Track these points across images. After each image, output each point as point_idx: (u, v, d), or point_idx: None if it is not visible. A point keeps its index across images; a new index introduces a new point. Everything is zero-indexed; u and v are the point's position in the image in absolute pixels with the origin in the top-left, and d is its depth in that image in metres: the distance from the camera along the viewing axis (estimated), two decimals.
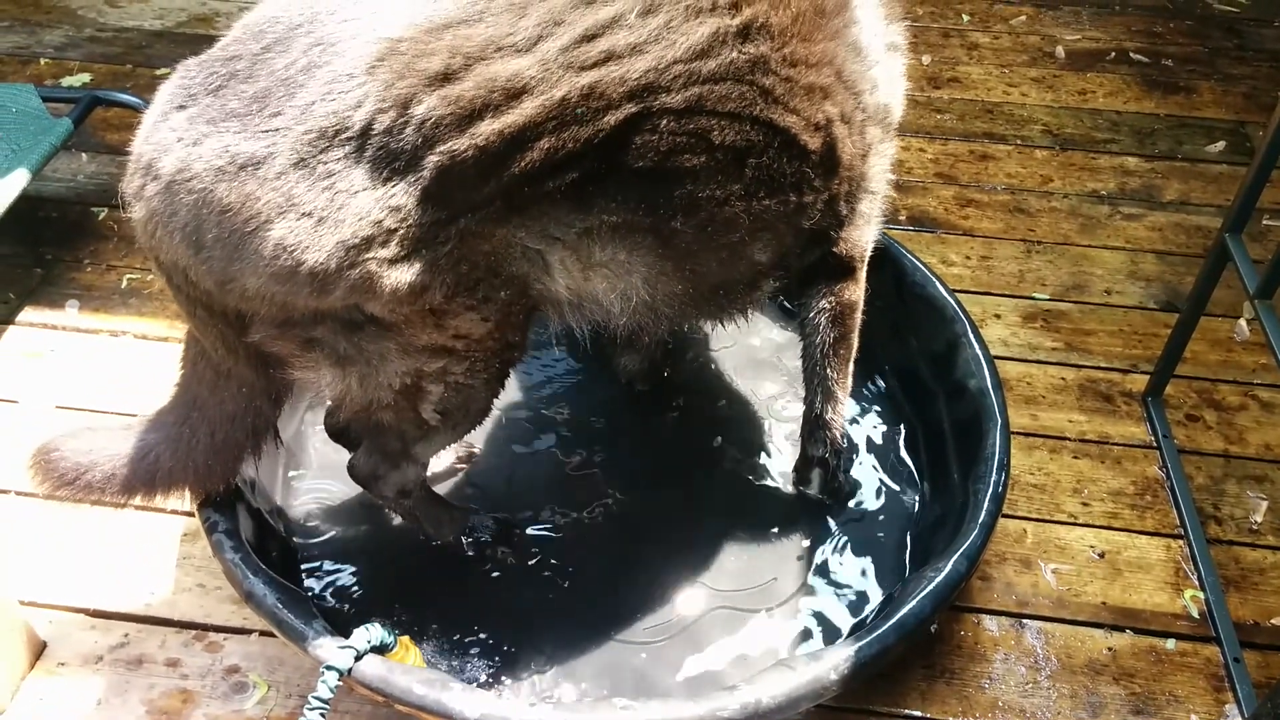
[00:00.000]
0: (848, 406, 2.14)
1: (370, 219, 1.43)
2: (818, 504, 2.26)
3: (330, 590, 2.08)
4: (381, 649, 1.75)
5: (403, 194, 1.44)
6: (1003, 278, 2.86)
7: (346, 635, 1.72)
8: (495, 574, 2.13)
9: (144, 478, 1.83)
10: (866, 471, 2.34)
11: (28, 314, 2.67)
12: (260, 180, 1.40)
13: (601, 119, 1.52)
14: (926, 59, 3.65)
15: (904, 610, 1.81)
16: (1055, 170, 3.21)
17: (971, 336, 2.28)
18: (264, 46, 1.46)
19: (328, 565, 2.12)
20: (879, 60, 1.86)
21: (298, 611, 1.76)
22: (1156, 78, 3.59)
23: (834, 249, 1.97)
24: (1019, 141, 3.31)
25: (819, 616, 2.08)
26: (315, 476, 2.27)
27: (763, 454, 2.38)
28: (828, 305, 2.04)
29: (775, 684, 1.70)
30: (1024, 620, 2.12)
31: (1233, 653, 2.06)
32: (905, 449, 2.38)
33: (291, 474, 2.27)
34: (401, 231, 1.46)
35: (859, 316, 2.09)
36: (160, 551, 2.17)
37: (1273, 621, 2.12)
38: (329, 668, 1.66)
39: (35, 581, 2.11)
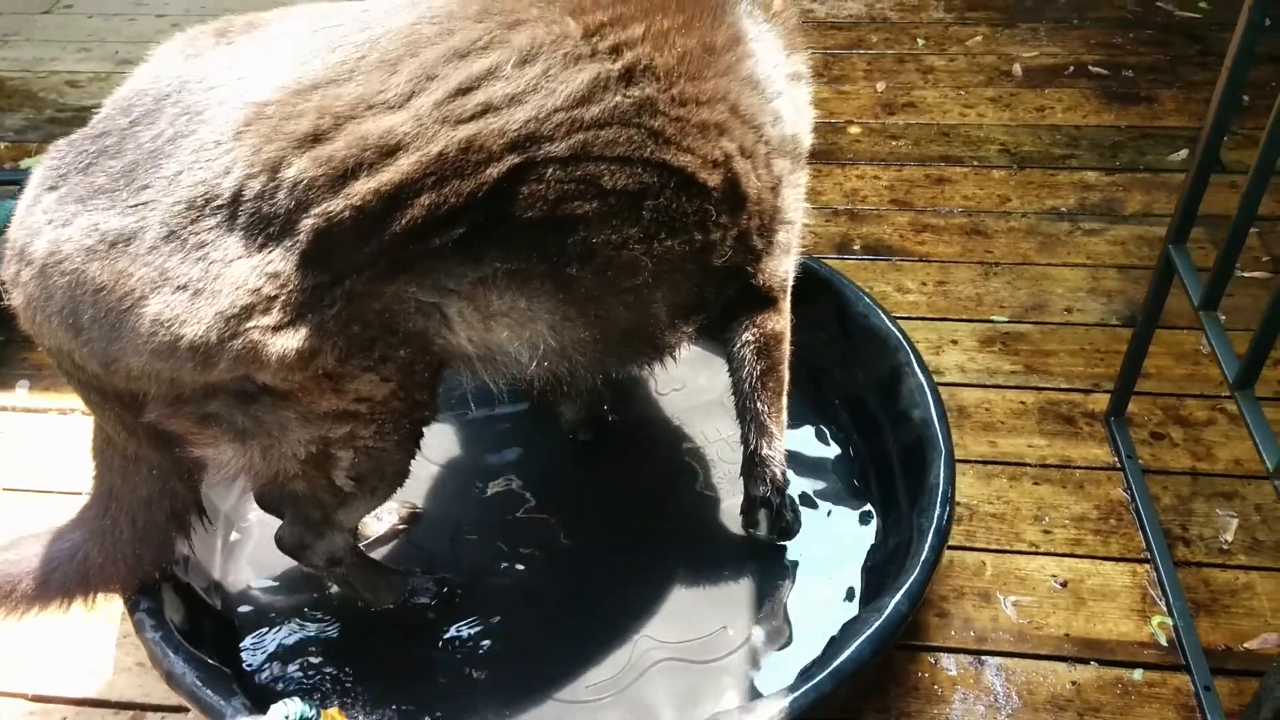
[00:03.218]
0: (783, 441, 2.09)
1: (248, 287, 1.40)
2: (769, 546, 2.20)
3: (268, 661, 2.04)
4: None
5: (280, 259, 1.41)
6: (960, 302, 2.81)
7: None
8: (436, 637, 2.08)
9: (77, 579, 1.80)
10: (820, 508, 2.28)
11: None
12: (132, 256, 1.38)
13: (483, 172, 1.49)
14: (881, 85, 3.62)
15: (842, 656, 1.75)
16: (1013, 190, 3.16)
17: (915, 365, 2.23)
18: (131, 121, 1.44)
19: (267, 636, 2.08)
20: (780, 92, 1.83)
21: (216, 689, 1.73)
22: (1116, 89, 3.54)
23: (752, 281, 1.94)
24: (976, 163, 3.26)
25: (769, 664, 2.02)
26: (256, 546, 2.23)
27: (713, 497, 2.32)
28: (751, 337, 1.99)
29: None
30: (983, 657, 2.05)
31: (1203, 681, 1.97)
32: (858, 483, 2.32)
33: (233, 542, 2.23)
34: (283, 298, 1.43)
35: (786, 348, 2.04)
36: (100, 631, 2.14)
37: (1246, 646, 2.03)
38: None
39: None
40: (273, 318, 1.44)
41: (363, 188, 1.43)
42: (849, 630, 1.83)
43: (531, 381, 1.84)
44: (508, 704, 1.96)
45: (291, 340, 1.46)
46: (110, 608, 2.17)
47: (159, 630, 1.80)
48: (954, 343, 2.69)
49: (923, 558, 1.89)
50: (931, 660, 2.04)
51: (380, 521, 2.23)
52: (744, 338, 2.00)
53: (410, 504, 2.29)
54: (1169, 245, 2.16)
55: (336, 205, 1.42)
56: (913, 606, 1.83)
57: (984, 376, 2.60)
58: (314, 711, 1.72)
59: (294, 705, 1.69)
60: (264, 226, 1.41)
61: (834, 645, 1.83)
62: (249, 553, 2.22)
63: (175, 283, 1.39)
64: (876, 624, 1.79)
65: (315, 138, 1.42)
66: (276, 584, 2.17)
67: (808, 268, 2.43)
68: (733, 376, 2.05)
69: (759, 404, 2.03)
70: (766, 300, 1.98)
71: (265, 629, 2.09)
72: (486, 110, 1.50)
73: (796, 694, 1.69)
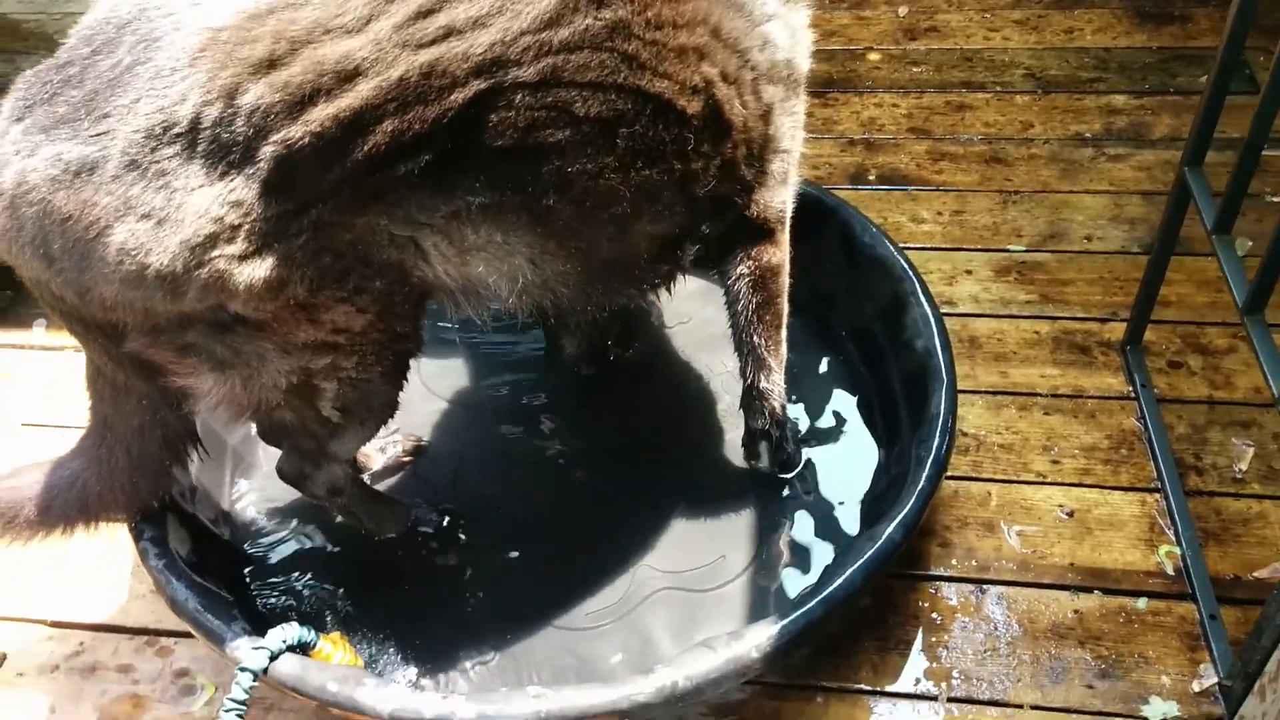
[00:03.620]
0: (782, 375, 2.07)
1: (211, 216, 1.40)
2: (771, 477, 2.19)
3: (273, 588, 2.08)
4: (302, 648, 1.75)
5: (242, 187, 1.41)
6: (976, 231, 2.75)
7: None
8: (440, 566, 2.11)
9: (77, 506, 1.83)
10: (824, 439, 2.27)
11: None
12: (95, 185, 1.38)
13: (447, 97, 1.47)
14: (903, 10, 3.51)
15: (833, 584, 1.75)
16: (1036, 115, 3.07)
17: (920, 295, 2.19)
18: (93, 50, 1.44)
19: (273, 564, 2.12)
20: (771, 15, 1.78)
21: (218, 614, 1.77)
22: (1150, 9, 3.41)
23: (746, 212, 1.90)
24: (999, 88, 3.17)
25: (767, 592, 2.02)
26: (265, 477, 2.26)
27: (717, 430, 2.32)
28: (746, 270, 1.97)
29: (693, 665, 1.65)
30: (985, 586, 2.03)
31: (1209, 609, 1.95)
32: (863, 414, 2.30)
33: (239, 478, 2.27)
34: (247, 226, 1.42)
35: (784, 280, 2.01)
36: (116, 559, 2.19)
37: (1255, 575, 2.00)
38: (243, 669, 1.66)
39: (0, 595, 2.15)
40: (238, 247, 1.43)
41: (321, 114, 1.42)
42: (842, 558, 1.83)
43: (516, 314, 1.83)
44: (507, 631, 1.99)
45: (259, 269, 1.46)
46: (125, 537, 2.21)
47: (163, 559, 1.84)
48: (968, 273, 2.64)
49: (919, 487, 1.87)
50: (932, 589, 2.04)
51: (384, 453, 2.26)
52: (739, 270, 1.97)
53: (415, 436, 2.31)
54: (1184, 167, 2.09)
55: (295, 132, 1.41)
56: (907, 535, 1.82)
57: (998, 306, 2.55)
58: (313, 636, 1.76)
59: (291, 630, 1.73)
60: (224, 154, 1.40)
61: (827, 573, 1.83)
62: (257, 484, 2.26)
63: (139, 211, 1.39)
64: (869, 552, 1.78)
65: (271, 63, 1.41)
66: (283, 514, 2.20)
67: (814, 197, 2.40)
68: (729, 310, 2.03)
69: (755, 337, 2.01)
70: (761, 232, 1.95)
71: (272, 558, 2.14)
72: (449, 34, 1.46)
73: (786, 620, 1.70)
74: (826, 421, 2.31)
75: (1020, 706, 1.86)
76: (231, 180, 1.40)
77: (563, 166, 1.59)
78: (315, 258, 1.50)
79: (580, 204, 1.65)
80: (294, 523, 2.19)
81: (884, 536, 1.80)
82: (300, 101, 1.41)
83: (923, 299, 2.18)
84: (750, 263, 1.96)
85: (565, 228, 1.67)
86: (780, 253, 1.99)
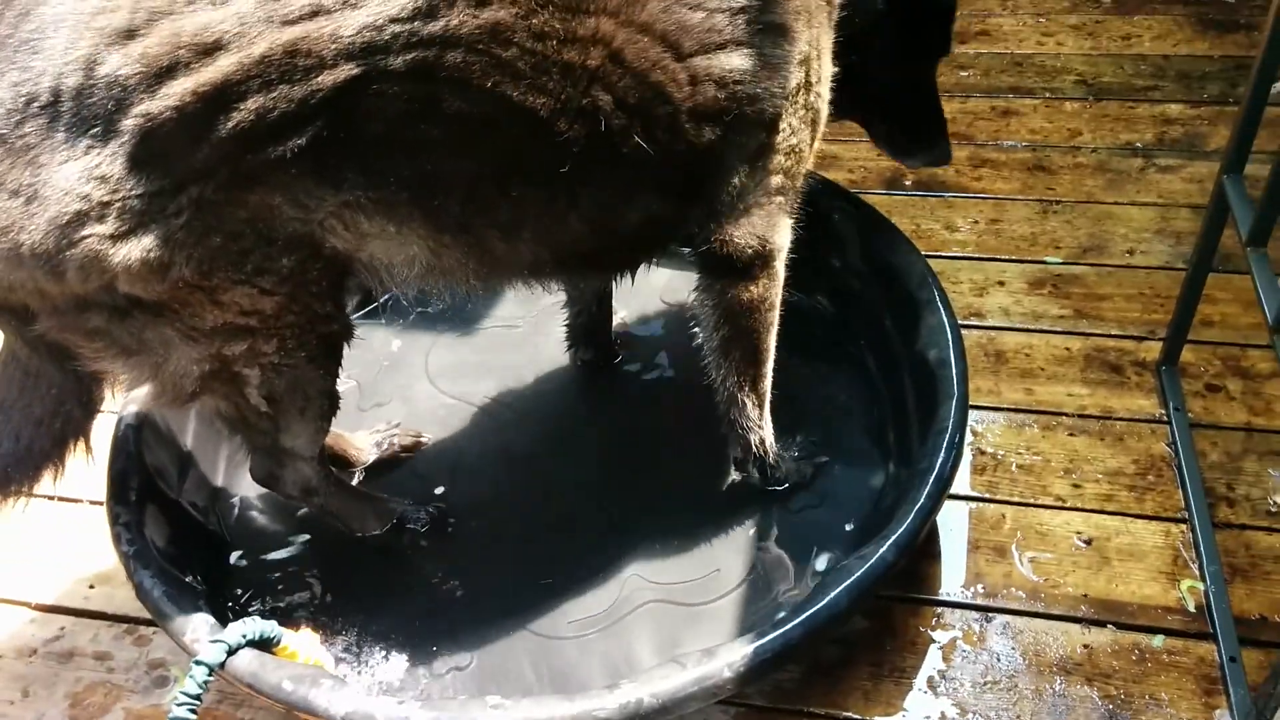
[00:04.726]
0: (762, 413, 2.00)
1: (77, 193, 1.35)
2: (780, 489, 2.10)
3: (253, 580, 2.04)
4: (264, 643, 1.70)
5: (108, 163, 1.36)
6: (1012, 241, 2.63)
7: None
8: (426, 566, 2.05)
9: None
10: (833, 451, 2.17)
11: None
12: None
13: (315, 79, 1.40)
14: None
15: (817, 604, 1.65)
16: (1085, 123, 2.94)
17: (938, 304, 2.08)
18: None
19: (256, 556, 2.08)
20: (735, 40, 1.62)
21: (181, 604, 1.73)
22: (1214, 16, 3.26)
23: (708, 245, 1.80)
24: (1048, 94, 3.04)
25: (760, 610, 1.93)
26: None
27: (721, 440, 2.22)
28: (712, 302, 1.88)
29: (660, 683, 1.57)
30: (991, 614, 1.92)
31: (1229, 651, 1.81)
32: (874, 426, 2.20)
33: (231, 470, 2.22)
34: (117, 204, 1.37)
35: (762, 318, 1.90)
36: (105, 544, 2.17)
37: None
38: (198, 662, 1.61)
39: None
40: (109, 226, 1.39)
41: (180, 88, 1.36)
42: (831, 577, 1.73)
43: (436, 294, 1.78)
44: (487, 636, 1.92)
45: (134, 250, 1.40)
46: None
47: (134, 545, 1.82)
48: (1000, 284, 2.52)
49: (918, 505, 1.76)
50: (935, 615, 1.93)
51: (380, 447, 2.21)
52: (705, 300, 1.90)
53: (415, 432, 2.27)
54: (1223, 175, 1.96)
55: (155, 106, 1.36)
56: (900, 555, 1.71)
57: (1028, 320, 2.43)
58: (276, 632, 1.71)
59: (253, 624, 1.68)
60: (86, 128, 1.36)
61: (813, 593, 1.73)
62: (248, 477, 2.22)
63: (8, 188, 1.36)
64: (858, 572, 1.68)
65: (129, 33, 1.36)
66: (272, 507, 2.17)
67: (834, 198, 2.31)
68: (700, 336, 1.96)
69: (722, 371, 1.95)
70: (729, 266, 1.83)
71: (257, 551, 2.09)
72: (316, 12, 1.40)
73: (763, 640, 1.61)
74: (837, 433, 2.21)
75: None
76: (97, 155, 1.36)
77: (437, 168, 1.52)
78: (203, 238, 1.45)
79: (465, 205, 1.58)
80: (282, 517, 2.15)
81: (876, 556, 1.70)
82: (158, 74, 1.35)
83: (940, 308, 2.07)
84: (716, 295, 1.87)
85: (456, 225, 1.60)
86: (755, 289, 1.86)
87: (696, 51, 1.60)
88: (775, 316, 1.93)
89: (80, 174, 1.35)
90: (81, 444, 1.78)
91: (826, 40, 1.79)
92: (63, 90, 1.35)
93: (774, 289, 1.90)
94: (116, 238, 1.39)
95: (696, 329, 1.96)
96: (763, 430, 2.00)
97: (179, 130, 1.37)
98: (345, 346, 1.77)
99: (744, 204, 1.78)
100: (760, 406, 1.98)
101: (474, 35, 1.45)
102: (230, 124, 1.39)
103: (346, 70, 1.41)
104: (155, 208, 1.40)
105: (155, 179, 1.39)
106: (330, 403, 1.80)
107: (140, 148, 1.36)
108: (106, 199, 1.37)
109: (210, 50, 1.37)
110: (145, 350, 1.56)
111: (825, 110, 1.84)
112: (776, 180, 1.79)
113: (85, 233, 1.37)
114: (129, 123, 1.36)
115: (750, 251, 1.82)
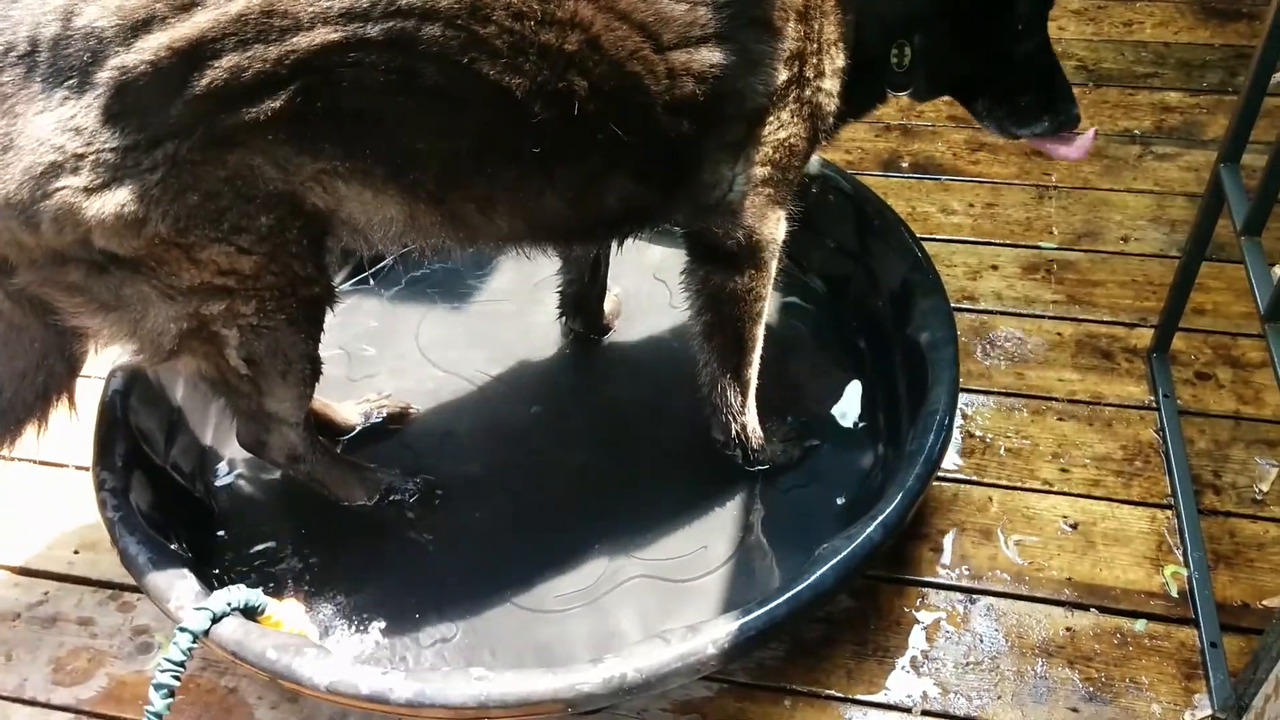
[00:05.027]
0: (744, 399, 2.00)
1: (52, 144, 1.36)
2: (770, 468, 2.10)
3: (244, 552, 2.03)
4: (249, 612, 1.70)
5: (83, 115, 1.36)
6: (1006, 225, 2.62)
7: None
8: (413, 538, 2.05)
9: None
10: (824, 431, 2.17)
11: None
12: None
13: (290, 39, 1.39)
14: None
15: (803, 582, 1.66)
16: (1085, 109, 2.86)
17: (930, 287, 2.08)
18: None
19: (244, 524, 2.08)
20: (716, 35, 1.60)
21: (166, 571, 1.72)
22: (1216, 4, 3.24)
23: (695, 230, 1.81)
24: None
25: (744, 586, 1.93)
26: None
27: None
28: (697, 287, 1.89)
29: (643, 658, 1.57)
30: (975, 596, 1.92)
31: (1210, 636, 1.82)
32: (865, 407, 2.20)
33: (219, 437, 2.21)
34: (91, 157, 1.38)
35: (748, 309, 1.89)
36: (90, 509, 2.16)
37: (1264, 603, 1.87)
38: (182, 629, 1.62)
39: None
40: (83, 178, 1.39)
41: (156, 42, 1.37)
42: (818, 556, 1.73)
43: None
44: (472, 608, 1.92)
45: (108, 203, 1.41)
46: None
47: (119, 510, 1.81)
48: (994, 268, 2.52)
49: (906, 486, 1.77)
50: (919, 596, 1.93)
51: (368, 417, 2.21)
52: (692, 285, 1.90)
53: (405, 404, 2.26)
54: (1219, 164, 1.95)
55: (131, 59, 1.36)
56: (886, 536, 1.72)
57: (1021, 305, 2.43)
58: (261, 601, 1.71)
59: (238, 592, 1.68)
60: (62, 79, 1.36)
61: (799, 571, 1.73)
62: (236, 445, 2.21)
63: None
64: (844, 552, 1.69)
65: None
66: (261, 477, 2.16)
67: (832, 181, 2.30)
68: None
69: (706, 354, 1.96)
70: (716, 254, 1.83)
71: (245, 519, 2.10)
72: None
73: (747, 618, 1.61)
74: (829, 413, 2.21)
75: None
76: (72, 107, 1.36)
77: (414, 140, 1.52)
78: (179, 195, 1.45)
79: (440, 178, 1.58)
80: (269, 486, 2.15)
81: (862, 536, 1.70)
82: (135, 27, 1.35)
83: (932, 290, 2.07)
84: (700, 281, 1.88)
85: (430, 197, 1.61)
86: (741, 279, 1.85)
87: (676, 45, 1.58)
88: (762, 308, 1.93)
89: (55, 125, 1.35)
90: (65, 401, 1.79)
91: (831, 32, 1.75)
92: (40, 40, 1.35)
93: (760, 280, 1.88)
94: (90, 190, 1.39)
95: (685, 310, 1.95)
96: (744, 417, 2.00)
97: (154, 85, 1.37)
98: (328, 311, 1.77)
99: (731, 194, 1.77)
100: (743, 394, 1.98)
101: (453, 9, 1.45)
102: (205, 81, 1.39)
103: (324, 34, 1.41)
104: (130, 162, 1.40)
105: (130, 133, 1.39)
106: (313, 367, 1.80)
107: (115, 101, 1.36)
108: (81, 151, 1.37)
109: (187, 6, 1.37)
110: (123, 307, 1.56)
111: (828, 103, 1.80)
112: (763, 172, 1.77)
113: (59, 184, 1.37)
114: (104, 75, 1.36)
115: (736, 241, 1.81)
